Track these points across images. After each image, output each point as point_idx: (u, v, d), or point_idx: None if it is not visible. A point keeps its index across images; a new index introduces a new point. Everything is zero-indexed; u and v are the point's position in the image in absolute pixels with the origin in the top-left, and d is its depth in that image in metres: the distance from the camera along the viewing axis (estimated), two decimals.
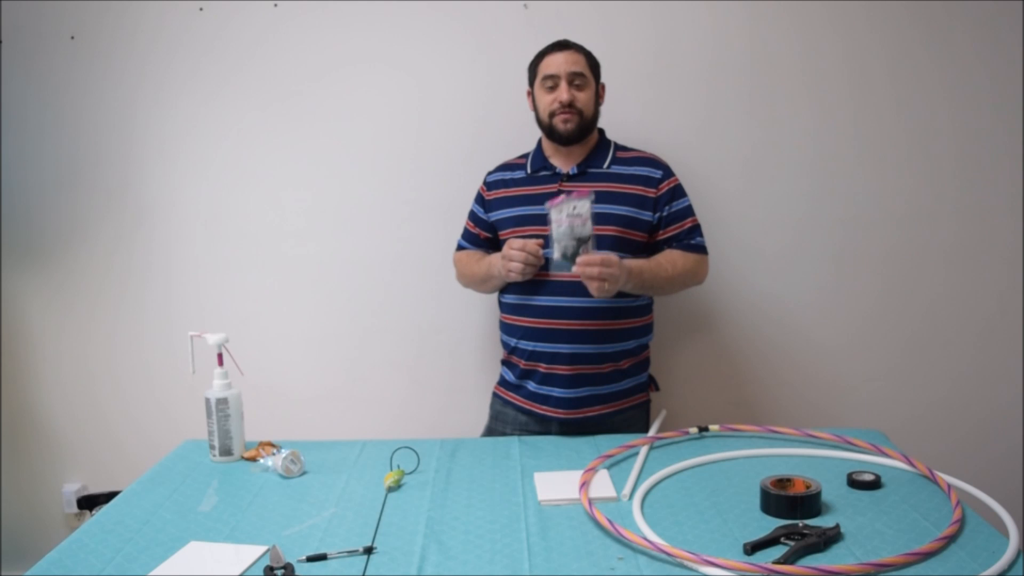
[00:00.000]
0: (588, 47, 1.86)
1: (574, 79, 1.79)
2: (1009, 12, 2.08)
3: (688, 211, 1.84)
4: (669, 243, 1.82)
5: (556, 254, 1.64)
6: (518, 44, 2.00)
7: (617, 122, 1.98)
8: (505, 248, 1.74)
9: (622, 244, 1.77)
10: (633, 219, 1.79)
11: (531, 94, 1.89)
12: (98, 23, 2.17)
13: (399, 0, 2.12)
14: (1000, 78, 2.11)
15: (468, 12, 2.13)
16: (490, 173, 1.95)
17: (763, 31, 2.11)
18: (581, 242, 1.60)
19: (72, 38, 2.18)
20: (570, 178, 1.83)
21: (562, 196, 1.61)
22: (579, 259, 1.60)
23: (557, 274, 1.74)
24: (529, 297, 1.80)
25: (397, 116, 2.18)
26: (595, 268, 1.60)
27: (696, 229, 1.84)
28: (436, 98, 2.16)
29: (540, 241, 1.72)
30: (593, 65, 1.84)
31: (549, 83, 1.81)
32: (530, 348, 1.81)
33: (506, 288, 1.86)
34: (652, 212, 1.81)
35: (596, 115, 1.85)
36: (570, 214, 1.58)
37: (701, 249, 1.84)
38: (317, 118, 2.18)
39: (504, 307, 1.89)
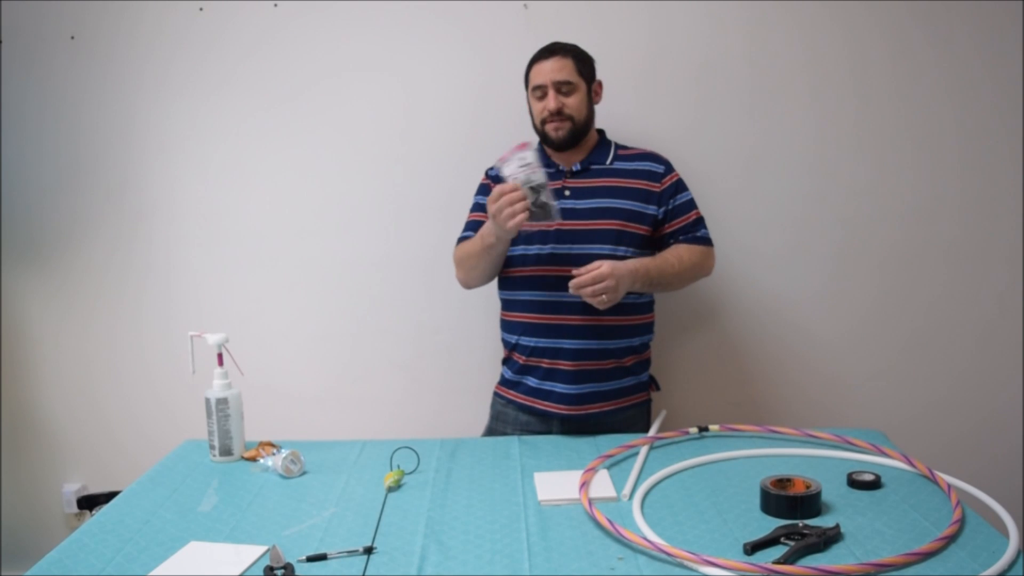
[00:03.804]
0: (587, 46, 1.86)
1: (561, 87, 1.79)
2: (1009, 12, 2.08)
3: (691, 204, 1.85)
4: (675, 236, 1.83)
5: None
6: (517, 44, 1.99)
7: (617, 121, 1.98)
8: (488, 207, 1.65)
9: (624, 237, 1.78)
10: (637, 213, 1.80)
11: (528, 99, 1.90)
12: (98, 23, 2.17)
13: (401, 1, 2.13)
14: (1001, 77, 2.10)
15: (467, 13, 2.12)
16: (491, 168, 1.95)
17: (763, 29, 2.10)
18: (538, 190, 1.61)
19: (72, 38, 2.18)
20: (573, 174, 1.84)
21: (506, 153, 1.62)
22: (571, 283, 1.62)
23: (558, 268, 1.74)
24: (531, 293, 1.80)
25: (398, 116, 2.17)
26: (587, 289, 1.61)
27: (700, 222, 1.85)
28: (437, 99, 2.16)
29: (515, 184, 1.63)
30: (583, 67, 1.82)
31: (538, 93, 1.82)
32: (532, 344, 1.81)
33: (506, 284, 1.86)
34: (656, 206, 1.81)
35: (590, 116, 1.85)
36: (521, 165, 1.60)
37: (707, 241, 1.86)
38: (317, 118, 2.18)
39: (505, 304, 1.89)
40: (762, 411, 2.22)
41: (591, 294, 1.62)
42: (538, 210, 1.62)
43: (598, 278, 1.61)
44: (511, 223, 1.60)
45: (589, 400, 1.79)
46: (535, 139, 1.85)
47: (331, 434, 1.91)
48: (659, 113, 2.13)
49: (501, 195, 1.60)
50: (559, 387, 1.79)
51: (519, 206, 1.59)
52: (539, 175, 1.62)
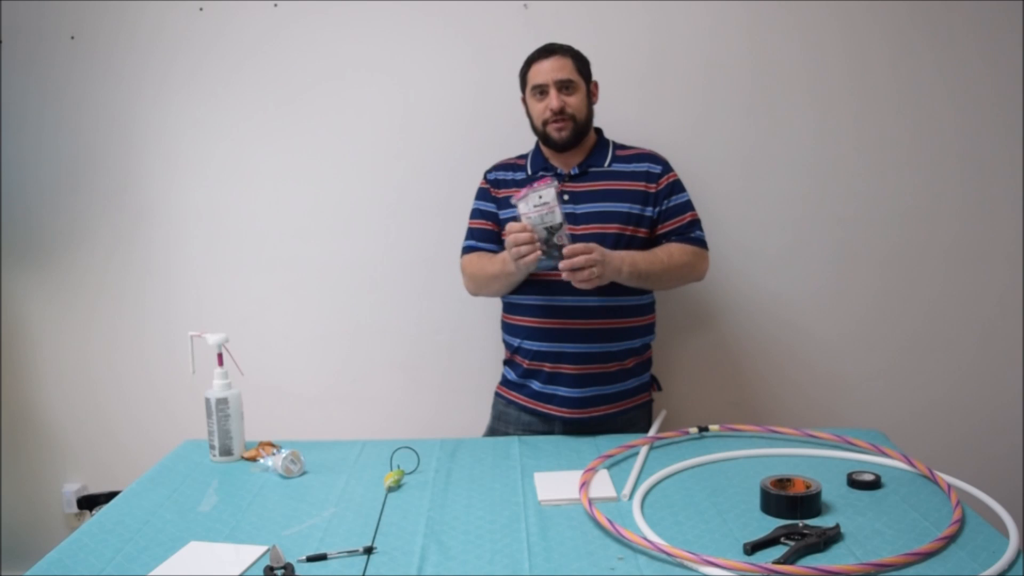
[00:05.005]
0: (586, 47, 1.85)
1: (562, 86, 1.78)
2: (1009, 12, 2.08)
3: (687, 206, 1.83)
4: (668, 237, 1.82)
5: None
6: (517, 44, 1.98)
7: (617, 121, 1.98)
8: (507, 244, 1.65)
9: (624, 242, 1.77)
10: (636, 216, 1.79)
11: (524, 101, 1.88)
12: (98, 23, 2.17)
13: (401, 1, 2.13)
14: (1001, 77, 2.11)
15: (467, 13, 2.12)
16: (489, 171, 1.94)
17: (763, 30, 2.10)
18: (552, 231, 1.57)
19: (72, 38, 2.18)
20: (572, 178, 1.83)
21: (525, 188, 1.60)
22: (565, 250, 1.57)
23: (559, 273, 1.73)
24: (533, 296, 1.80)
25: (398, 116, 2.17)
26: (580, 258, 1.57)
27: (695, 223, 1.84)
28: (436, 99, 2.16)
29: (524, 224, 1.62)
30: (582, 66, 1.82)
31: (538, 92, 1.80)
32: (534, 348, 1.81)
33: None
34: (652, 207, 1.81)
35: (590, 116, 1.84)
36: (537, 204, 1.56)
37: (700, 243, 1.83)
38: (318, 118, 2.18)
39: (507, 307, 1.89)
40: (762, 411, 2.22)
41: (584, 263, 1.57)
42: (553, 251, 1.58)
43: (589, 249, 1.58)
44: (522, 263, 1.60)
45: (593, 403, 1.79)
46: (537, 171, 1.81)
47: (331, 434, 1.91)
48: (659, 114, 2.13)
49: (511, 234, 1.59)
50: (562, 391, 1.79)
51: (526, 248, 1.58)
52: (555, 216, 1.57)
